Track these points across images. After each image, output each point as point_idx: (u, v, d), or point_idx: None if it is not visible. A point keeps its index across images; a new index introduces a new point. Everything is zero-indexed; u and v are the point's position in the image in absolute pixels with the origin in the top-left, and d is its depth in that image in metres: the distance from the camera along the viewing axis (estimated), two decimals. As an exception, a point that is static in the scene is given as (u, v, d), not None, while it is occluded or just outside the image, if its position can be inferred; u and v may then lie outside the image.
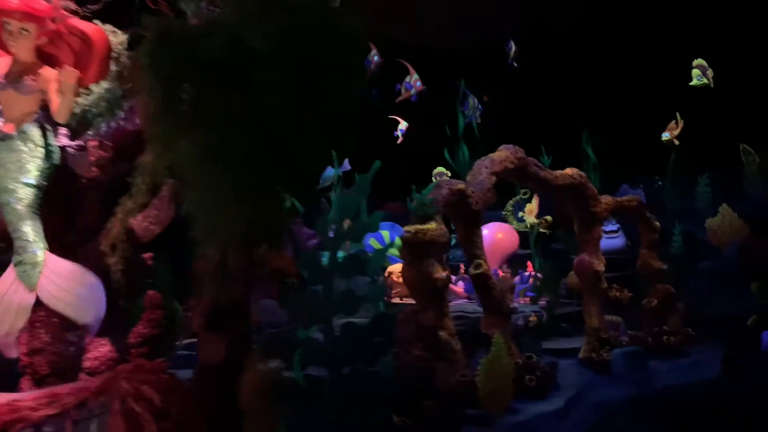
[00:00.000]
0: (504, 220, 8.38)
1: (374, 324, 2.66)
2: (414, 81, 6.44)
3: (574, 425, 4.25)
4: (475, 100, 7.09)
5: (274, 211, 2.22)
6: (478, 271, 4.50)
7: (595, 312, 5.70)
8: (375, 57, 6.13)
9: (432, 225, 4.07)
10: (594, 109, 7.05)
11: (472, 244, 4.59)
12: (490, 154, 5.06)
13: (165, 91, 1.98)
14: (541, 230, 8.11)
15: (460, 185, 4.41)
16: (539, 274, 6.86)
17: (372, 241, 3.52)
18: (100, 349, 2.72)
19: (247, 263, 2.25)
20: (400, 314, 3.09)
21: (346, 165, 5.47)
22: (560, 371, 5.23)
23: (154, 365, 2.36)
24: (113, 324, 2.68)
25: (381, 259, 2.72)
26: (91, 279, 2.61)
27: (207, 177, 2.10)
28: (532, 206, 8.04)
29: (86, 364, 2.69)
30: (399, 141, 7.31)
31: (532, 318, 5.42)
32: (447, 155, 5.94)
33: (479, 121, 6.94)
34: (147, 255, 2.95)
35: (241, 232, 2.17)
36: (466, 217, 4.59)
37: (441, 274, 3.97)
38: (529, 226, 7.91)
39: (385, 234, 3.54)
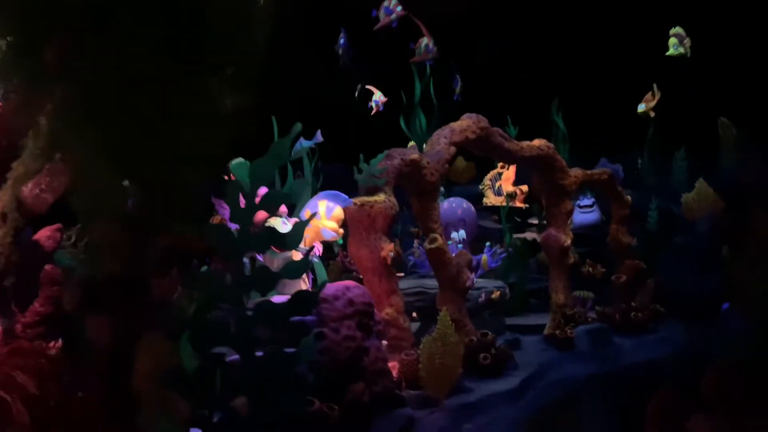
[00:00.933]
0: (481, 194, 8.20)
1: (294, 302, 2.46)
2: (431, 45, 6.08)
3: (529, 404, 4.10)
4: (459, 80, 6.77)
5: (164, 179, 2.01)
6: (433, 246, 4.30)
7: (561, 288, 5.55)
8: (398, 7, 5.68)
9: (380, 197, 3.85)
10: (567, 79, 6.79)
11: (427, 218, 4.39)
12: (451, 124, 4.83)
13: (18, 40, 1.75)
14: (518, 204, 7.95)
15: (414, 155, 4.19)
16: (510, 249, 6.70)
17: (307, 213, 3.30)
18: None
19: (132, 236, 2.04)
20: (330, 290, 2.89)
21: (318, 137, 5.19)
22: (522, 348, 5.09)
23: (35, 348, 2.15)
24: (6, 302, 2.46)
25: (301, 231, 2.50)
26: None
27: (73, 138, 1.88)
28: (509, 173, 7.85)
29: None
30: (373, 111, 6.99)
31: (495, 294, 5.23)
32: (403, 124, 5.68)
33: (460, 99, 6.62)
34: (54, 227, 2.72)
35: (118, 201, 1.95)
36: (421, 190, 4.38)
37: (388, 249, 3.76)
38: (505, 195, 7.71)
39: (322, 205, 3.30)
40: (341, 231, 3.32)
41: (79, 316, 2.04)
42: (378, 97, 6.93)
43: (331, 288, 2.93)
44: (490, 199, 8.18)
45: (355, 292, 2.96)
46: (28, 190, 2.32)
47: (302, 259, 2.45)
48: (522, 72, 6.94)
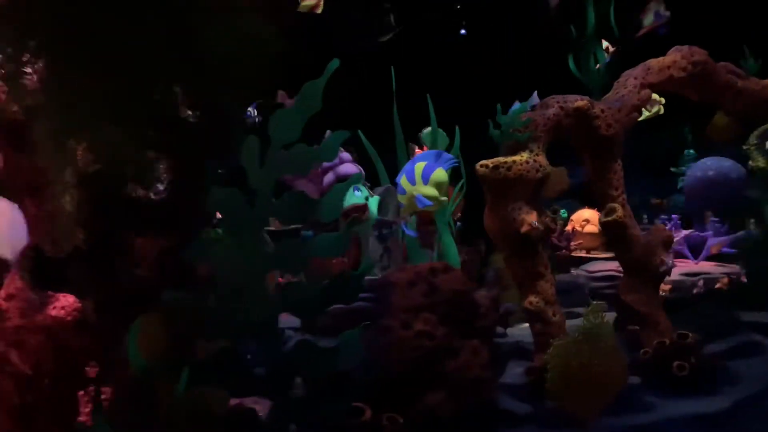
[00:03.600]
0: (745, 156, 6.60)
1: (333, 286, 1.95)
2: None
3: (741, 436, 2.97)
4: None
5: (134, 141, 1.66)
6: (609, 219, 3.37)
7: (828, 278, 4.05)
8: None
9: (521, 156, 3.07)
10: None
11: (604, 182, 3.45)
12: (649, 60, 3.74)
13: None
14: (791, 169, 6.21)
15: (580, 102, 3.28)
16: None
17: (403, 181, 2.68)
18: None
19: (106, 202, 1.74)
20: (405, 274, 2.28)
21: (535, 98, 4.48)
22: (763, 356, 3.80)
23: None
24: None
25: (339, 196, 1.96)
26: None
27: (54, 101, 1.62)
28: None
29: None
30: (597, 67, 5.84)
31: (722, 281, 4.00)
32: (571, 64, 4.53)
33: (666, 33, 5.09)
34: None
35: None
36: (594, 146, 3.45)
37: (529, 221, 2.99)
38: None
39: (419, 168, 2.64)
40: (444, 199, 2.65)
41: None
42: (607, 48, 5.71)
43: (408, 271, 2.33)
44: (758, 162, 6.55)
45: (443, 277, 2.31)
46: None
47: (342, 232, 1.92)
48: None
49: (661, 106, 6.59)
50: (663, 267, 3.41)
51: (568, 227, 5.74)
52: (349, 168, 2.71)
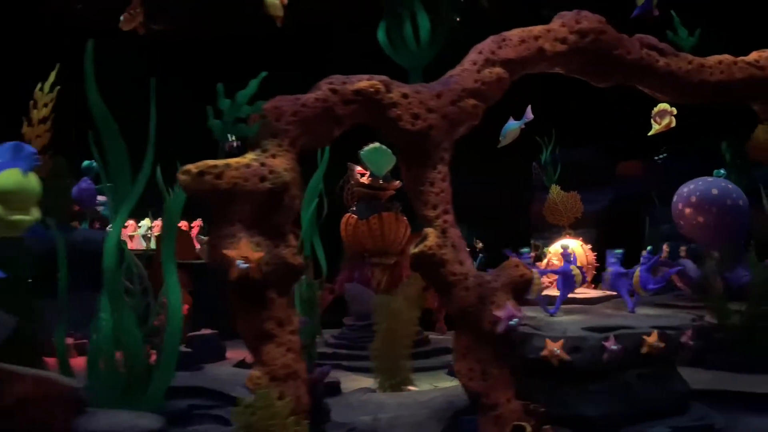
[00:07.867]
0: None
1: None
2: None
3: None
4: None
5: None
6: (416, 250, 2.31)
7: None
8: None
9: (244, 158, 2.09)
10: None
11: (418, 197, 2.40)
12: (512, 30, 2.68)
13: None
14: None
15: (363, 82, 2.27)
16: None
17: None
18: None
19: None
20: None
21: (529, 113, 3.48)
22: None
23: None
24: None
25: None
26: None
27: None
28: None
29: None
30: None
31: (651, 339, 2.72)
32: (381, 35, 3.33)
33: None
34: None
35: None
36: (401, 146, 2.43)
37: (240, 255, 1.99)
38: None
39: None
40: (16, 218, 1.64)
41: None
42: None
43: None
44: (807, 173, 5.35)
45: None
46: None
47: None
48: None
49: (673, 118, 5.29)
50: (501, 314, 2.28)
51: (544, 261, 4.59)
52: None
